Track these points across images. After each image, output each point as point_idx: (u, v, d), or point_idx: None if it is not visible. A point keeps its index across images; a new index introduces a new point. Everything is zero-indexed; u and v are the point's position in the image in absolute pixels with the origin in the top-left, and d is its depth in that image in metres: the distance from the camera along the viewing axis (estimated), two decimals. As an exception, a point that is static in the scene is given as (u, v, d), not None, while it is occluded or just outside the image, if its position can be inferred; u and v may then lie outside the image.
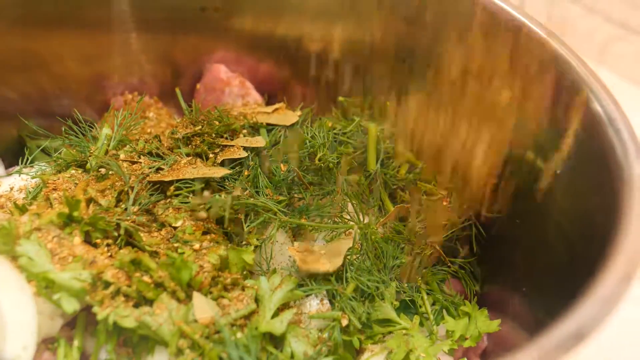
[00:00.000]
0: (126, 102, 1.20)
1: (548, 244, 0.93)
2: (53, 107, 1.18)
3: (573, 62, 0.88)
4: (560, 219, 0.89)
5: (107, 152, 0.97)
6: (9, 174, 1.02)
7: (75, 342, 0.81)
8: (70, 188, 0.90)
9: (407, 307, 0.95)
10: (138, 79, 1.26)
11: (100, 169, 0.93)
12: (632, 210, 0.75)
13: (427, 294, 0.96)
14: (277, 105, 1.16)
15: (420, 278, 0.97)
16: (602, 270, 0.71)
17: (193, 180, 0.90)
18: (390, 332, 0.88)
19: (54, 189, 0.89)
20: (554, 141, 0.90)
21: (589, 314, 0.67)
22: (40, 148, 1.04)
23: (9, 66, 1.08)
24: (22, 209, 0.88)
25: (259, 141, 1.00)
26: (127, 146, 0.98)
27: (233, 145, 0.99)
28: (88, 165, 0.93)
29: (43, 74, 1.14)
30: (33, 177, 0.95)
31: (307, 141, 1.02)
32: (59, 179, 0.92)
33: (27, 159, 1.00)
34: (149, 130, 1.10)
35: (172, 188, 0.89)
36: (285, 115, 1.11)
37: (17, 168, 1.02)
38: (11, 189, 0.96)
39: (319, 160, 1.00)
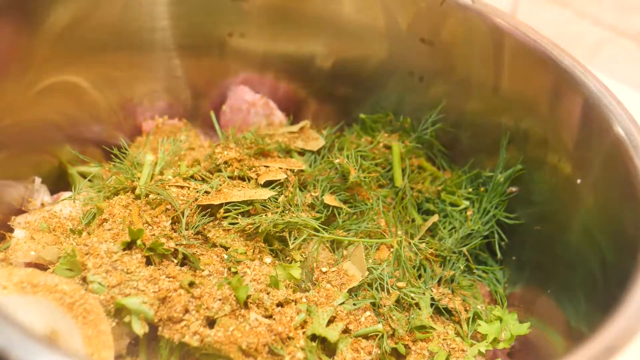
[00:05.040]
0: (158, 126, 1.25)
1: (575, 251, 0.99)
2: (84, 133, 1.23)
3: (594, 87, 0.95)
4: (590, 226, 0.95)
5: (152, 177, 1.02)
6: (57, 202, 1.06)
7: (141, 359, 0.86)
8: (122, 214, 0.95)
9: (440, 313, 1.02)
10: (166, 103, 1.31)
11: (148, 196, 0.98)
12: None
13: (461, 298, 1.03)
14: (301, 124, 1.22)
15: (452, 285, 1.04)
16: (634, 282, 0.77)
17: (240, 202, 0.96)
18: (429, 338, 0.95)
19: (111, 215, 0.94)
20: (577, 156, 0.97)
21: (621, 328, 0.71)
22: (89, 177, 1.08)
23: (42, 95, 1.12)
24: (79, 233, 0.94)
25: (296, 163, 1.06)
26: (171, 170, 1.03)
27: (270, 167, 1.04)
28: (138, 191, 0.98)
29: (73, 102, 1.18)
30: (85, 204, 1.00)
31: (338, 165, 1.08)
32: (109, 206, 0.96)
33: (79, 188, 1.04)
34: (182, 152, 1.16)
35: (221, 211, 0.95)
36: (312, 140, 1.17)
37: (65, 195, 1.07)
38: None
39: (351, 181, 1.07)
